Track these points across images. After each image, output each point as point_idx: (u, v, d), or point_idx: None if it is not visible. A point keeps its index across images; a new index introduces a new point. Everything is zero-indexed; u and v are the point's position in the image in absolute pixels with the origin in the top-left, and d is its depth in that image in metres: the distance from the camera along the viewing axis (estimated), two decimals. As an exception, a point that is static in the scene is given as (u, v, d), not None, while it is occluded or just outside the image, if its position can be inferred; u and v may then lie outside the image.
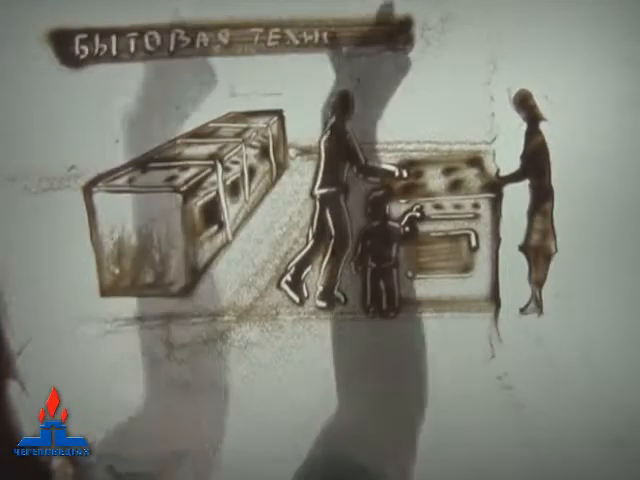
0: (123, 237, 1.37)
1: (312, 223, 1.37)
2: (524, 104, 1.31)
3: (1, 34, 1.30)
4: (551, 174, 1.32)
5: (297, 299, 1.39)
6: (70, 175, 1.34)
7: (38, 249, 1.36)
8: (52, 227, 1.36)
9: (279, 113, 1.36)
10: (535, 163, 1.33)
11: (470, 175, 1.37)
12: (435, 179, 1.38)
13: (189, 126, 1.35)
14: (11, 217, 1.36)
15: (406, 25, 1.30)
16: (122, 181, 1.36)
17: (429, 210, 1.37)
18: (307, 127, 1.34)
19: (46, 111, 1.32)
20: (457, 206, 1.38)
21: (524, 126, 1.32)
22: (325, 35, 1.31)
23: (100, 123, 1.33)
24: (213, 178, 1.41)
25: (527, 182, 1.34)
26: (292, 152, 1.37)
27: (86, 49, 1.32)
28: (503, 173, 1.34)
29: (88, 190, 1.35)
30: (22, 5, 1.29)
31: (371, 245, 1.38)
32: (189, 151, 1.42)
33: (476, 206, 1.37)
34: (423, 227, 1.37)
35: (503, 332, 1.36)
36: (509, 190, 1.34)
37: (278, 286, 1.39)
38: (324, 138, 1.35)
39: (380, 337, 1.37)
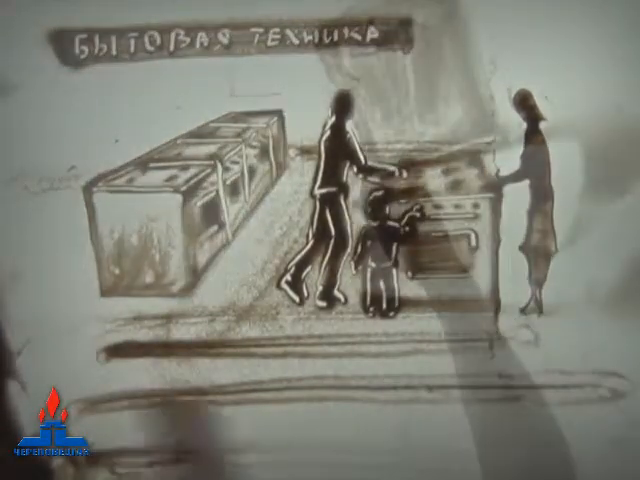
0: (123, 237, 1.37)
1: (312, 223, 1.37)
2: (524, 104, 1.31)
3: (1, 34, 1.30)
4: (551, 174, 1.32)
5: (297, 299, 1.39)
6: (70, 175, 1.34)
7: (38, 249, 1.36)
8: (52, 227, 1.36)
9: (279, 113, 1.36)
10: (535, 163, 1.33)
11: (470, 175, 1.37)
12: (435, 179, 1.38)
13: (189, 126, 1.35)
14: (11, 217, 1.36)
15: (406, 25, 1.30)
16: (122, 181, 1.37)
17: (429, 210, 1.37)
18: (307, 127, 1.34)
19: (46, 111, 1.32)
20: (457, 206, 1.38)
21: (524, 126, 1.32)
22: (325, 35, 1.31)
23: (100, 123, 1.33)
24: (213, 178, 1.41)
25: (527, 182, 1.34)
26: (292, 152, 1.37)
27: (86, 49, 1.32)
28: (503, 173, 1.34)
29: (88, 190, 1.35)
30: (22, 5, 1.29)
31: (371, 245, 1.38)
32: (189, 151, 1.42)
33: (476, 206, 1.37)
34: (423, 227, 1.37)
35: (503, 332, 1.36)
36: (509, 190, 1.34)
37: (278, 286, 1.39)
38: (324, 138, 1.35)
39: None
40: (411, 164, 1.36)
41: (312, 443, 1.37)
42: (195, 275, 1.39)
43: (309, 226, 1.38)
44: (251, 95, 1.33)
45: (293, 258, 1.38)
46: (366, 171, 1.36)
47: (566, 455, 1.33)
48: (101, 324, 1.38)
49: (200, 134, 1.39)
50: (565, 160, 1.31)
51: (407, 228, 1.37)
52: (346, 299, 1.39)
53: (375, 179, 1.36)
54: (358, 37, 1.32)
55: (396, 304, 1.38)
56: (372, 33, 1.31)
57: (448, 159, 1.35)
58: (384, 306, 1.38)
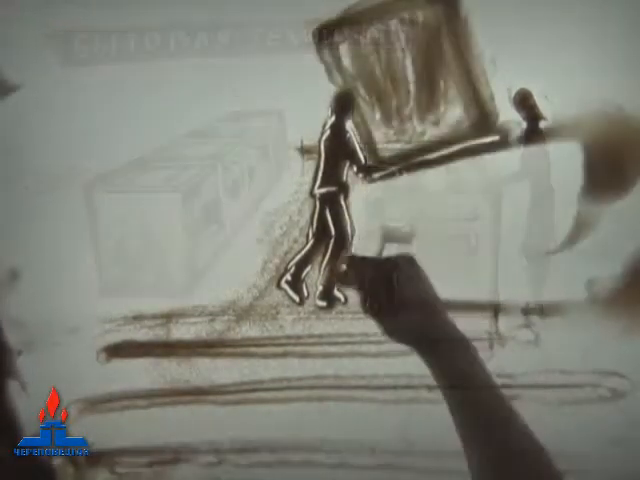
0: (123, 237, 1.37)
1: (312, 223, 1.38)
2: (524, 104, 1.31)
3: (2, 33, 1.30)
4: (551, 174, 1.32)
5: (297, 299, 1.38)
6: (70, 175, 1.34)
7: (38, 249, 1.36)
8: (52, 227, 1.36)
9: (279, 113, 1.36)
10: (535, 163, 1.33)
11: (470, 175, 1.37)
12: (435, 179, 1.37)
13: (189, 126, 1.35)
14: (11, 217, 1.36)
15: (406, 25, 1.31)
16: (122, 181, 1.37)
17: (429, 210, 1.37)
18: (307, 127, 1.34)
19: (46, 111, 1.32)
20: (457, 206, 1.38)
21: (524, 126, 1.32)
22: (325, 35, 1.31)
23: (101, 123, 1.33)
24: (213, 178, 1.42)
25: (527, 182, 1.34)
26: (292, 152, 1.37)
27: (86, 49, 1.32)
28: (503, 173, 1.34)
29: (88, 190, 1.35)
30: (23, 4, 1.29)
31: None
32: (189, 151, 1.42)
33: (476, 206, 1.37)
34: (423, 228, 1.37)
35: (503, 332, 1.36)
36: (509, 190, 1.34)
37: (278, 286, 1.39)
38: (324, 138, 1.35)
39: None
40: (411, 164, 1.36)
41: (312, 443, 1.37)
42: (195, 275, 1.39)
43: (309, 226, 1.38)
44: (251, 95, 1.33)
45: (293, 258, 1.38)
46: (366, 171, 1.36)
47: (566, 454, 1.33)
48: (101, 324, 1.38)
49: (200, 134, 1.39)
50: (565, 160, 1.31)
51: (407, 228, 1.37)
52: (346, 299, 1.39)
53: (375, 179, 1.37)
54: (358, 37, 1.32)
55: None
56: (372, 33, 1.31)
57: (448, 159, 1.35)
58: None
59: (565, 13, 1.27)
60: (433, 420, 1.34)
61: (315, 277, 1.39)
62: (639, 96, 1.28)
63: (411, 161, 1.35)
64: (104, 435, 1.39)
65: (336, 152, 1.35)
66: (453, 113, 1.34)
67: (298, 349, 1.38)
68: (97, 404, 1.39)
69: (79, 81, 1.32)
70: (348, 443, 1.37)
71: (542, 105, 1.30)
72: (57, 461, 1.39)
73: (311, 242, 1.38)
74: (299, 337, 1.38)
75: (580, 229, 1.32)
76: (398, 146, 1.35)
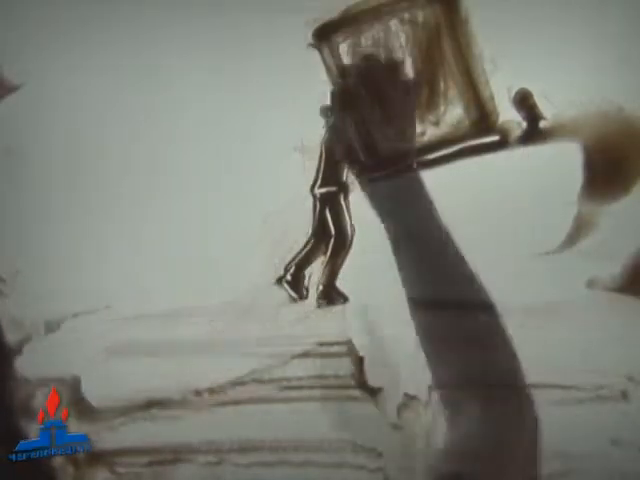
0: (124, 237, 1.37)
1: (312, 223, 1.38)
2: (524, 103, 1.31)
3: (2, 33, 1.30)
4: (550, 174, 1.32)
5: (297, 298, 1.39)
6: (70, 175, 1.34)
7: (39, 249, 1.36)
8: (52, 228, 1.36)
9: (279, 113, 1.36)
10: (534, 162, 1.33)
11: (470, 175, 1.37)
12: (435, 180, 1.37)
13: (188, 126, 1.36)
14: (13, 218, 1.36)
15: (406, 25, 1.30)
16: (122, 182, 1.37)
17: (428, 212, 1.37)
18: (307, 127, 1.34)
19: (47, 111, 1.33)
20: (457, 207, 1.37)
21: (524, 126, 1.32)
22: (325, 35, 1.31)
23: (100, 124, 1.33)
24: (213, 178, 1.42)
25: (526, 182, 1.33)
26: (292, 152, 1.38)
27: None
28: (503, 173, 1.34)
29: (88, 190, 1.36)
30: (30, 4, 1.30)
31: (371, 245, 1.38)
32: (188, 151, 1.42)
33: (476, 207, 1.37)
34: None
35: (503, 332, 1.36)
36: (509, 189, 1.34)
37: (278, 285, 1.39)
38: (324, 138, 1.35)
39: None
40: (411, 164, 1.36)
41: (312, 443, 1.37)
42: (196, 275, 1.39)
43: (309, 226, 1.38)
44: (251, 95, 1.33)
45: (293, 258, 1.38)
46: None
47: (566, 454, 1.33)
48: (101, 324, 1.38)
49: (200, 134, 1.39)
50: (565, 160, 1.31)
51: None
52: (346, 298, 1.39)
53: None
54: (358, 37, 1.31)
55: (396, 304, 1.38)
56: (372, 33, 1.31)
57: (448, 159, 1.35)
58: (384, 306, 1.38)
59: (565, 14, 1.27)
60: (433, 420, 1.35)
61: (315, 277, 1.39)
62: (639, 96, 1.29)
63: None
64: (104, 435, 1.39)
65: (336, 152, 1.35)
66: (453, 113, 1.34)
67: (298, 349, 1.38)
68: (97, 404, 1.39)
69: (80, 81, 1.32)
70: (348, 443, 1.37)
71: (542, 105, 1.30)
72: (57, 461, 1.39)
73: (311, 242, 1.38)
74: (299, 337, 1.38)
75: (580, 229, 1.32)
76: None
